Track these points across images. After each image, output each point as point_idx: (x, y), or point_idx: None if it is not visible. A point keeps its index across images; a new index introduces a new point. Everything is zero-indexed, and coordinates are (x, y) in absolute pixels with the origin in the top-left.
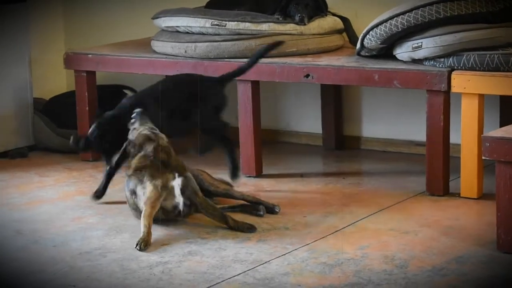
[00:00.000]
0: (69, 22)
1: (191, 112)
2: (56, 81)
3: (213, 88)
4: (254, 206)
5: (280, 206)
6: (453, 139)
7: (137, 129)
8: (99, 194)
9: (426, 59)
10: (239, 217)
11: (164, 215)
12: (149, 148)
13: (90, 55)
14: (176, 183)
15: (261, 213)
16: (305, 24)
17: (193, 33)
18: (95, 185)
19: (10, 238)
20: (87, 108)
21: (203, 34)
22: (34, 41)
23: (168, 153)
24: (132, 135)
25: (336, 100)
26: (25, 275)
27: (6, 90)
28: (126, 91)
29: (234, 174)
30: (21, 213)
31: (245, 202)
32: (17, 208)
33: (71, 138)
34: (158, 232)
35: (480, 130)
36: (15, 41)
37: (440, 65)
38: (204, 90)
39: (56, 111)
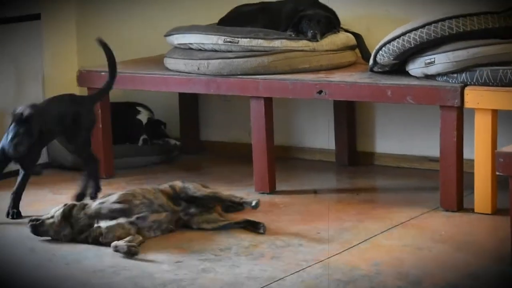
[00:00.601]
0: (82, 39)
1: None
2: None
3: (86, 108)
4: (254, 224)
5: (294, 222)
6: (466, 154)
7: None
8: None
9: (439, 74)
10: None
11: (147, 235)
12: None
13: (103, 73)
14: (103, 226)
15: (261, 231)
16: (317, 41)
17: (205, 50)
18: None
19: (24, 255)
20: (100, 125)
21: (215, 51)
22: (48, 58)
23: (67, 218)
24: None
25: (349, 116)
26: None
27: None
28: (139, 108)
29: (96, 192)
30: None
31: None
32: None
33: None
34: (171, 249)
35: (494, 145)
36: (29, 58)
37: (453, 81)
38: (78, 111)
39: None
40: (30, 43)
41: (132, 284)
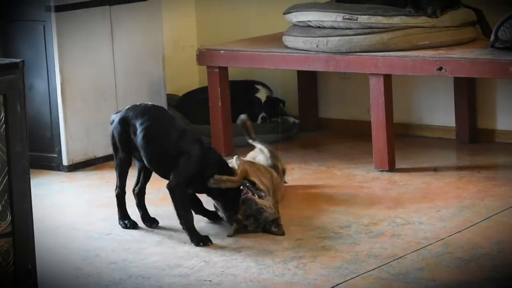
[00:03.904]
0: (201, 18)
1: None
2: (188, 77)
3: None
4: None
5: (414, 200)
6: None
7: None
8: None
9: None
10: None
11: None
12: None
13: (222, 51)
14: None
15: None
16: (437, 17)
17: (324, 28)
18: None
19: (147, 234)
20: (220, 103)
21: (334, 28)
22: (167, 38)
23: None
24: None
25: (469, 92)
26: (162, 269)
27: (141, 87)
28: (258, 86)
29: None
30: (157, 209)
31: None
32: (153, 203)
33: None
34: (291, 227)
35: None
36: (149, 38)
37: None
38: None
39: (189, 106)
40: (150, 23)
41: (254, 261)
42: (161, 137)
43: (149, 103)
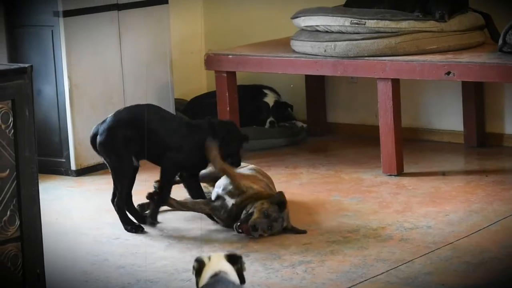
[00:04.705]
0: (209, 23)
1: None
2: (196, 81)
3: None
4: None
5: (422, 204)
6: None
7: None
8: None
9: None
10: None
11: None
12: None
13: (230, 56)
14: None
15: None
16: (445, 21)
17: (332, 32)
18: None
19: (155, 238)
20: (228, 108)
21: (342, 33)
22: (175, 42)
23: None
24: None
25: (477, 97)
26: (170, 274)
27: (149, 92)
28: (266, 90)
29: None
30: (164, 213)
31: None
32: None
33: None
34: None
35: None
36: (157, 43)
37: None
38: None
39: (197, 111)
40: (157, 27)
41: (261, 266)
42: (162, 134)
43: (136, 104)
